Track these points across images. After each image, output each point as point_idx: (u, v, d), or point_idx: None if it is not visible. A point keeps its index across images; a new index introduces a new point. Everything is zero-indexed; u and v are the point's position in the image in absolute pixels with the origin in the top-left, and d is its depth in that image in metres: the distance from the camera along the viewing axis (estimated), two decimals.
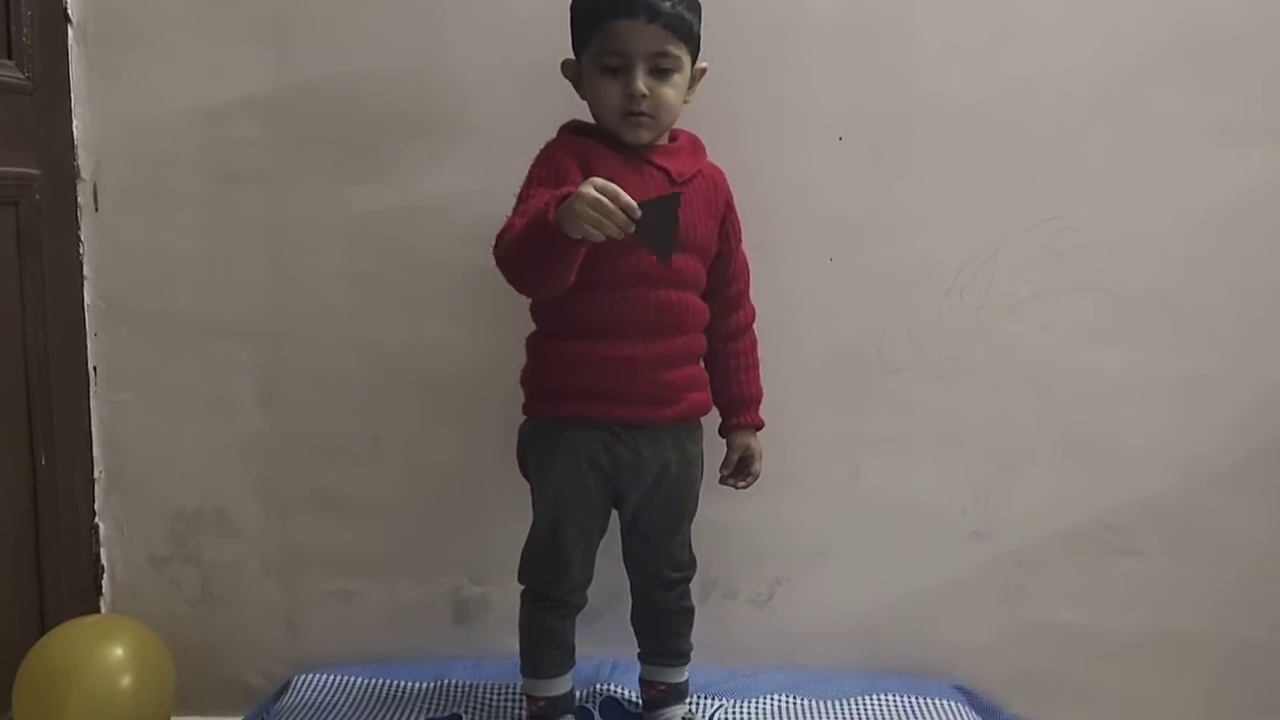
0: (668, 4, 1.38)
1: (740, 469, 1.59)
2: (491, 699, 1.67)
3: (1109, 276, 1.69)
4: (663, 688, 1.62)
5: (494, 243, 1.39)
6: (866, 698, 1.68)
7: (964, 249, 1.69)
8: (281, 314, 1.74)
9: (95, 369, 1.76)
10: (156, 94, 1.70)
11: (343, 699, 1.67)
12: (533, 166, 1.46)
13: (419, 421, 1.76)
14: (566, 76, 1.49)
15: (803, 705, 1.66)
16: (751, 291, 1.61)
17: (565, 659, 1.56)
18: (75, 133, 1.70)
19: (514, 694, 1.66)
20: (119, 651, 1.46)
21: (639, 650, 1.63)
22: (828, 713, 1.64)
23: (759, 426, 1.59)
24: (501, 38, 1.66)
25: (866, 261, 1.70)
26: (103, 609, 1.78)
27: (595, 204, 1.22)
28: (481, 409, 1.74)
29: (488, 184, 1.57)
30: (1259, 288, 1.70)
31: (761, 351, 1.61)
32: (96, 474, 1.78)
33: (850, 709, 1.66)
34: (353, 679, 1.72)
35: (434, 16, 1.67)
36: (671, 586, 1.57)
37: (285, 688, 1.72)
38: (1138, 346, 1.71)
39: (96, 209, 1.72)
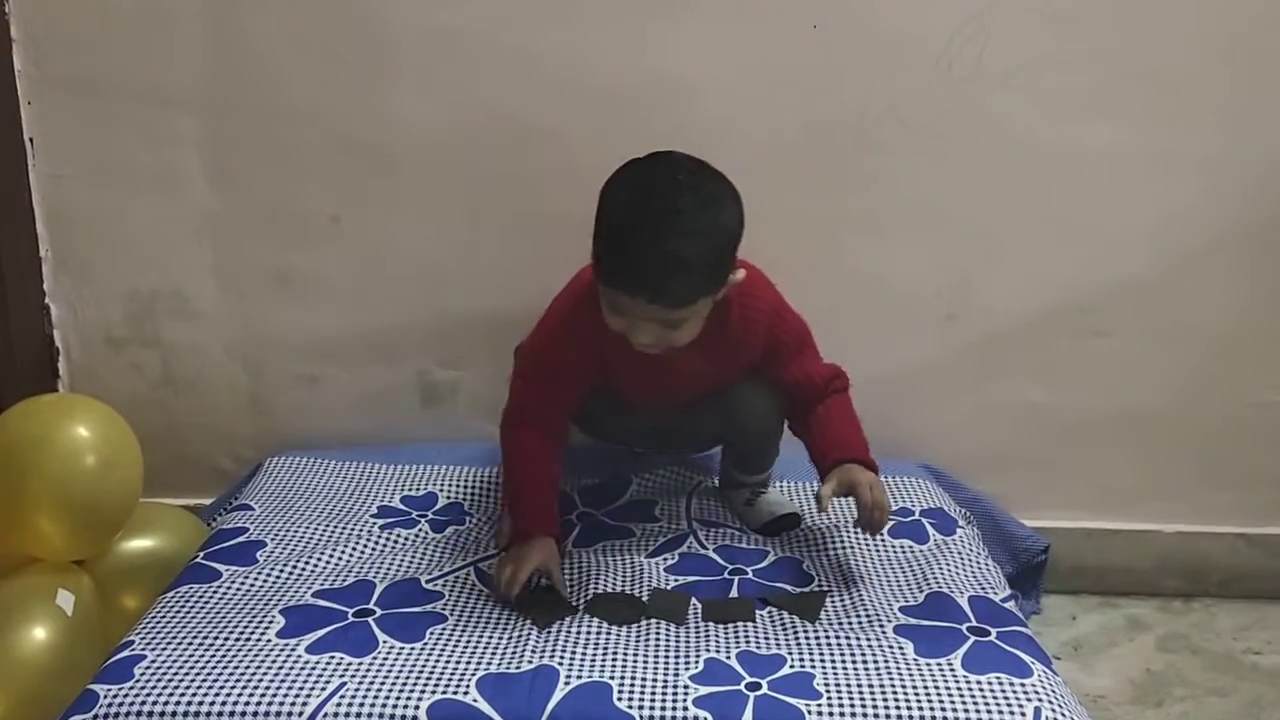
0: (674, 282, 1.24)
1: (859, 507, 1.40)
2: (466, 479, 1.67)
3: (1103, 47, 1.61)
4: None
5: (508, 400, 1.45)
6: None
7: (955, 16, 1.60)
8: (225, 81, 1.64)
9: (32, 140, 1.66)
10: None
11: (316, 480, 1.67)
12: (555, 324, 1.41)
13: (380, 199, 1.69)
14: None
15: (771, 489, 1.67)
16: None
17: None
18: None
19: (488, 475, 1.67)
20: (81, 430, 1.41)
21: None
22: (794, 496, 1.65)
23: (863, 461, 1.41)
24: None
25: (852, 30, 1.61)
26: (60, 391, 1.75)
27: (496, 581, 1.35)
28: (446, 186, 1.67)
29: None
30: (1254, 63, 1.63)
31: (737, 122, 1.52)
32: (42, 252, 1.71)
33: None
34: (326, 460, 1.72)
35: None
36: None
37: (257, 469, 1.72)
38: (1126, 122, 1.64)
39: None
